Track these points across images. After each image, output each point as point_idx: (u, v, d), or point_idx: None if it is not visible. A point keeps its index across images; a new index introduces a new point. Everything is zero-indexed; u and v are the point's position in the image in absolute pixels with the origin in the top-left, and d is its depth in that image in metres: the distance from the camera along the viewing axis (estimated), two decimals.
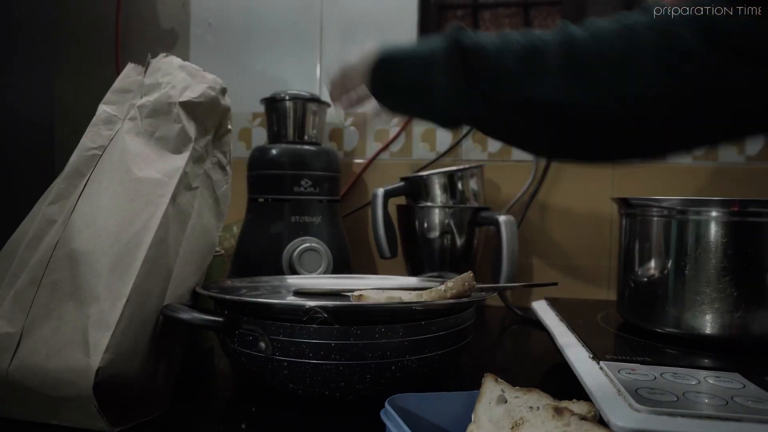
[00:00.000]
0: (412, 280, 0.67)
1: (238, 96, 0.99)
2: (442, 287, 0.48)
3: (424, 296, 0.47)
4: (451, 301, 0.47)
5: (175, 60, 0.51)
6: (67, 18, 1.00)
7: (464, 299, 0.47)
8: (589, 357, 0.44)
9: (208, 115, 0.51)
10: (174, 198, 0.46)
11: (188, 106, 0.49)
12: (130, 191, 0.45)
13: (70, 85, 0.95)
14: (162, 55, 0.52)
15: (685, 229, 0.51)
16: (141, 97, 0.50)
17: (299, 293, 0.59)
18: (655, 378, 0.38)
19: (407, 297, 0.48)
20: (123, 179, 0.46)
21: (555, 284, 0.58)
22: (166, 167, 0.47)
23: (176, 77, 0.50)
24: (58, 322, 0.40)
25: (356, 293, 0.50)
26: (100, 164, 0.47)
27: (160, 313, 0.43)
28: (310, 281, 0.67)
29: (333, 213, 0.85)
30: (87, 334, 0.39)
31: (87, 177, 0.47)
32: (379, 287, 0.55)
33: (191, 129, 0.49)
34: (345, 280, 0.66)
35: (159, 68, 0.51)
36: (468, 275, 0.48)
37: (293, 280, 0.65)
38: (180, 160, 0.48)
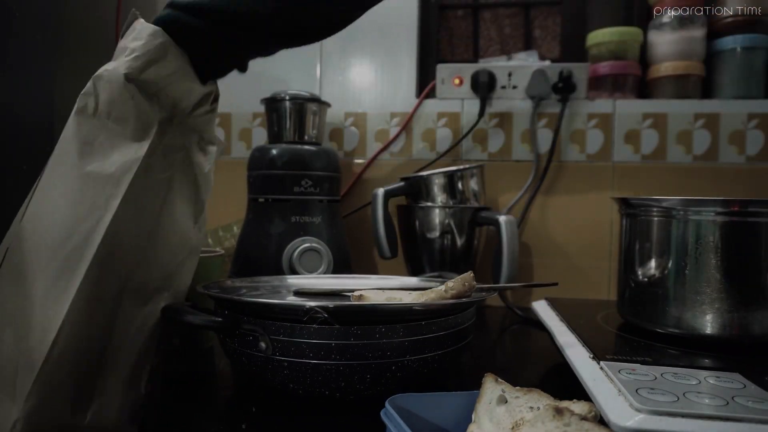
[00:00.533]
0: (412, 280, 0.67)
1: (238, 96, 0.99)
2: (443, 287, 0.48)
3: (424, 296, 0.47)
4: (451, 301, 0.46)
5: None
6: (67, 18, 1.00)
7: (464, 299, 0.47)
8: (590, 357, 0.44)
9: (176, 87, 0.42)
10: (130, 196, 0.38)
11: (149, 83, 0.40)
12: (75, 191, 0.37)
13: (70, 85, 0.95)
14: None
15: (685, 229, 0.51)
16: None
17: (299, 293, 0.59)
18: (656, 378, 0.38)
19: (407, 297, 0.48)
20: (68, 175, 0.38)
21: (555, 284, 0.58)
22: (122, 158, 0.39)
23: (148, 42, 0.40)
24: None
25: (356, 293, 0.50)
26: (56, 152, 0.40)
27: (161, 314, 0.42)
28: (310, 281, 0.67)
29: (333, 213, 0.85)
30: (16, 375, 0.33)
31: (45, 168, 0.40)
32: (379, 287, 0.55)
33: (154, 109, 0.40)
34: (345, 280, 0.66)
35: (135, 29, 0.42)
36: (468, 275, 0.48)
37: (293, 280, 0.66)
38: (140, 149, 0.39)
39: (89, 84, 0.40)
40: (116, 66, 0.40)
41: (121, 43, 0.42)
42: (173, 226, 0.44)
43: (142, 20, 0.43)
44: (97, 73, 0.40)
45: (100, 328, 0.37)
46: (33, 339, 0.34)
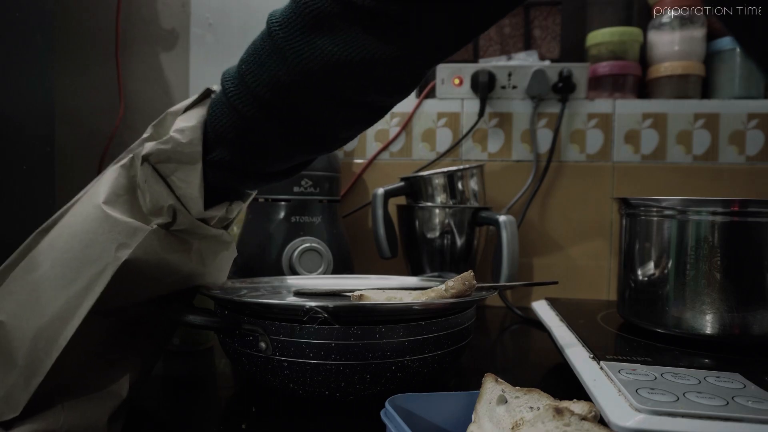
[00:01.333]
0: (412, 280, 0.67)
1: None
2: (443, 286, 0.47)
3: (425, 296, 0.47)
4: (451, 300, 0.46)
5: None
6: (67, 18, 1.00)
7: (464, 298, 0.47)
8: (590, 357, 0.44)
9: (182, 192, 0.40)
10: (144, 250, 0.37)
11: (162, 173, 0.39)
12: (90, 232, 0.36)
13: (70, 85, 0.95)
14: None
15: (685, 229, 0.51)
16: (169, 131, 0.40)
17: (299, 293, 0.59)
18: (656, 378, 0.38)
19: (407, 297, 0.48)
20: (90, 213, 0.37)
21: (555, 282, 0.58)
22: (137, 223, 0.38)
23: (187, 143, 0.39)
24: None
25: (356, 293, 0.50)
26: (91, 189, 0.40)
27: (162, 315, 0.42)
28: (310, 281, 0.67)
29: (333, 213, 0.84)
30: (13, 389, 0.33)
31: (75, 201, 0.40)
32: (379, 287, 0.55)
33: (168, 194, 0.39)
34: (345, 280, 0.66)
35: (193, 116, 0.40)
36: (468, 274, 0.48)
37: (293, 281, 0.65)
38: (152, 222, 0.39)
39: (139, 149, 0.40)
40: (149, 145, 0.39)
41: (179, 121, 0.40)
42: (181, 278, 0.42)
43: (208, 106, 0.41)
44: (147, 139, 0.40)
45: (82, 350, 0.37)
46: (18, 378, 0.34)
